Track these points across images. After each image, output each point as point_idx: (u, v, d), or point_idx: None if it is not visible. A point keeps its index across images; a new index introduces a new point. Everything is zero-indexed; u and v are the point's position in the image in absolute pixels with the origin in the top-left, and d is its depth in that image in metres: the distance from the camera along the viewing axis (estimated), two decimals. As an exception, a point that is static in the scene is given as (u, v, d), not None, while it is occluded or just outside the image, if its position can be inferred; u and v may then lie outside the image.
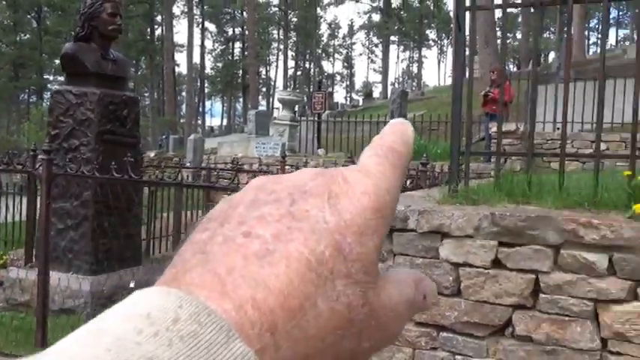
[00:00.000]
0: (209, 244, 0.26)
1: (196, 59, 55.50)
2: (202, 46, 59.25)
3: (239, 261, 0.25)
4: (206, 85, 64.04)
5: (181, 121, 48.03)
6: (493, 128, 9.45)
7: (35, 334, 3.43)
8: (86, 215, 5.05)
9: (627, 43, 43.96)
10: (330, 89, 61.71)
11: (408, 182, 3.96)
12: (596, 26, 62.91)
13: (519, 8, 34.36)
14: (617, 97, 10.01)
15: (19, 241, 6.62)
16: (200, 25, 59.12)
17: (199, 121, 58.48)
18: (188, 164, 11.38)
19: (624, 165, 3.51)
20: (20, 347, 3.89)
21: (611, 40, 60.74)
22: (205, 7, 58.40)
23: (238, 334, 0.23)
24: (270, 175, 0.31)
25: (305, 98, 23.46)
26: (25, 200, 6.40)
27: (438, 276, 2.46)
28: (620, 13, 59.24)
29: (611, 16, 59.65)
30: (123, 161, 3.37)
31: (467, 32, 2.98)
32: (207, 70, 63.42)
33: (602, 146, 9.63)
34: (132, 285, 4.61)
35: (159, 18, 52.14)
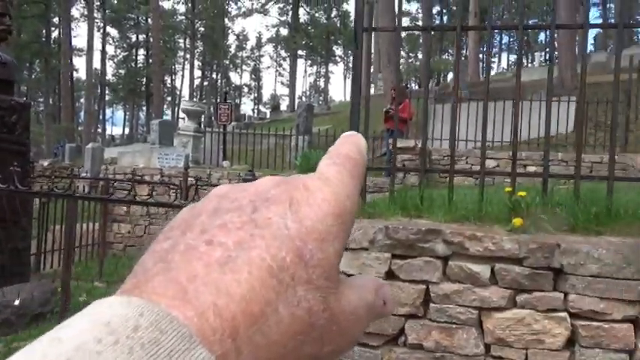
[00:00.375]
0: (171, 253, 0.26)
1: (97, 65, 53.15)
2: (103, 51, 56.81)
3: (201, 269, 0.25)
4: (107, 92, 61.41)
5: (79, 128, 45.69)
6: (394, 144, 9.80)
7: None
8: (-34, 228, 4.67)
9: (517, 67, 47.13)
10: (237, 101, 61.32)
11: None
12: (490, 50, 67.14)
13: (418, 31, 36.03)
14: (507, 117, 10.75)
15: None
16: (101, 30, 56.71)
17: (99, 130, 55.96)
18: (84, 174, 10.84)
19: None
20: None
21: (504, 64, 65.11)
22: (107, 12, 56.14)
23: (200, 341, 0.23)
24: (234, 183, 0.31)
25: (212, 109, 23.13)
26: None
27: (335, 288, 2.51)
28: (511, 39, 63.68)
29: (503, 42, 64.02)
30: (9, 170, 3.16)
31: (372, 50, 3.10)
32: (109, 77, 60.85)
33: (493, 163, 10.27)
34: (16, 303, 4.30)
35: (56, 20, 49.47)
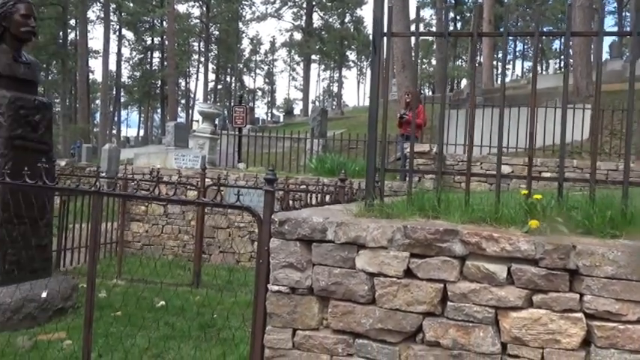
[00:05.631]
0: None
1: (112, 67, 53.68)
2: (119, 53, 57.44)
3: None
4: (122, 94, 61.95)
5: (95, 130, 46.21)
6: (408, 148, 9.85)
7: None
8: (-8, 223, 4.79)
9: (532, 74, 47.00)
10: (251, 104, 61.58)
11: (327, 197, 4.08)
12: (505, 56, 66.92)
13: (434, 37, 36.03)
14: (522, 124, 10.76)
15: None
16: (117, 32, 57.28)
17: (114, 131, 56.47)
18: (103, 174, 10.99)
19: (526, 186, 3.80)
20: None
21: (518, 71, 64.83)
22: (123, 14, 56.70)
23: None
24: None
25: (225, 112, 23.31)
26: None
27: (355, 285, 2.57)
28: (526, 46, 63.42)
29: (517, 49, 63.78)
30: (37, 167, 3.27)
31: (383, 56, 3.16)
32: (124, 79, 61.41)
33: (508, 169, 10.29)
34: (44, 295, 4.42)
35: (73, 22, 50.05)
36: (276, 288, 2.71)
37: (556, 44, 58.30)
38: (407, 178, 9.34)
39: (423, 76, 55.34)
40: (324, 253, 2.64)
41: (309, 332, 2.67)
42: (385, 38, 3.05)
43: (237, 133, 14.08)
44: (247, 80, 74.41)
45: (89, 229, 3.93)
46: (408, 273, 2.56)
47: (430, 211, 2.87)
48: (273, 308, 2.71)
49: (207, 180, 7.77)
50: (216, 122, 15.43)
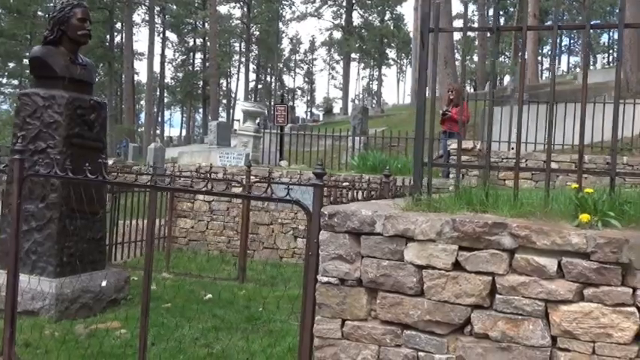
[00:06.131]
0: None
1: (156, 68, 54.85)
2: (163, 55, 58.61)
3: None
4: (166, 94, 63.21)
5: (139, 130, 47.36)
6: (452, 145, 9.77)
7: (3, 333, 3.42)
8: (52, 217, 5.03)
9: (578, 70, 45.87)
10: (291, 103, 61.96)
11: (373, 193, 4.13)
12: (549, 52, 65.47)
13: (476, 33, 35.56)
14: (568, 121, 10.53)
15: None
16: (161, 35, 58.52)
17: (158, 131, 57.72)
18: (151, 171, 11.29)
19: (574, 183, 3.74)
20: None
21: (564, 66, 63.16)
22: (167, 17, 57.88)
23: None
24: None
25: (266, 111, 23.57)
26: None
27: (403, 277, 2.61)
28: (572, 41, 61.78)
29: (563, 44, 62.17)
30: (96, 164, 3.43)
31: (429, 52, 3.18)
32: (167, 80, 62.67)
33: (555, 166, 10.07)
34: (104, 284, 4.62)
35: (119, 25, 51.42)
36: (325, 279, 2.78)
37: (604, 38, 56.62)
38: (450, 175, 9.29)
39: (465, 72, 54.53)
40: (373, 245, 2.69)
41: (357, 323, 2.72)
42: (432, 34, 3.07)
43: (279, 131, 14.24)
44: (287, 79, 74.91)
45: (142, 223, 4.09)
46: (457, 265, 2.58)
47: (478, 205, 2.88)
48: (323, 299, 2.78)
49: (251, 177, 7.92)
50: (258, 121, 15.64)
